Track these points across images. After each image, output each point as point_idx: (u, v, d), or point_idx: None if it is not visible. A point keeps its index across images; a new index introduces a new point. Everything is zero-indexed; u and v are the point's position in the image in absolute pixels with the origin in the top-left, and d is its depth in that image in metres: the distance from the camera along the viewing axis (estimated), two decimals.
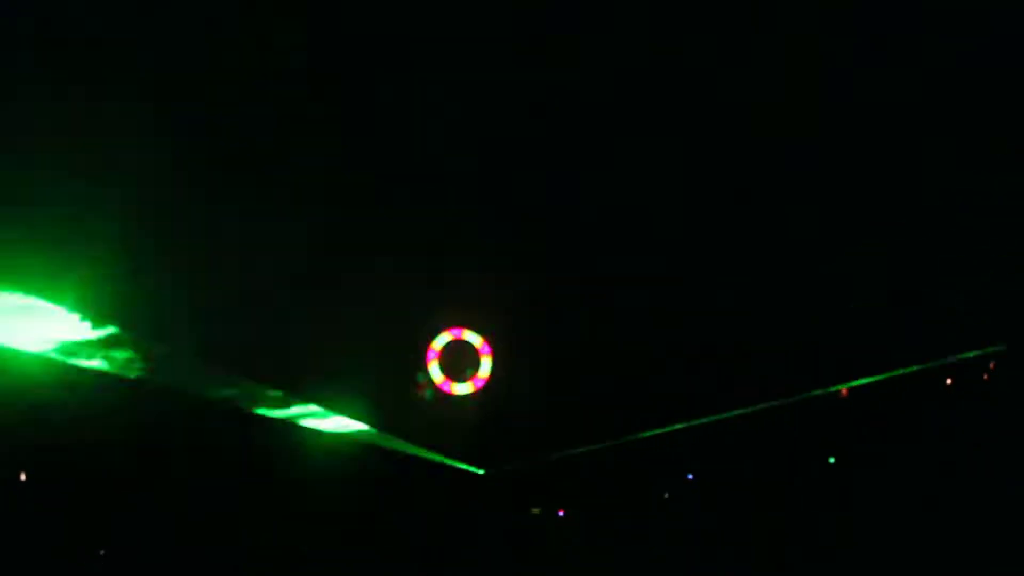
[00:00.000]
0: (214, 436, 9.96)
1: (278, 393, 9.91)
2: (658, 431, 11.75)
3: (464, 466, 12.01)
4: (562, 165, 9.32)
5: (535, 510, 12.17)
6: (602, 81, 8.61)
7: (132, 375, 8.71)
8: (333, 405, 10.51)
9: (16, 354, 7.58)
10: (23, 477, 9.85)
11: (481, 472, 12.17)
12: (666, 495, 11.75)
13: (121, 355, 8.22)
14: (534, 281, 10.57)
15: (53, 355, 7.85)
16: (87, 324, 7.10)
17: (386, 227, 9.46)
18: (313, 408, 10.56)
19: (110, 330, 7.35)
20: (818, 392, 11.22)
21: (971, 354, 10.51)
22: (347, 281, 9.56)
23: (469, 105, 8.60)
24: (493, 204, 9.60)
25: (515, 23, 8.16)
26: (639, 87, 8.74)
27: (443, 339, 10.11)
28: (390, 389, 10.43)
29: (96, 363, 8.33)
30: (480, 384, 10.22)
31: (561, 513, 12.15)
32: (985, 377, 10.83)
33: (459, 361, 10.26)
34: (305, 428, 10.95)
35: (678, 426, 11.69)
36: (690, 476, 11.79)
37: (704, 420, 11.49)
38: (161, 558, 9.53)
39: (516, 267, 10.40)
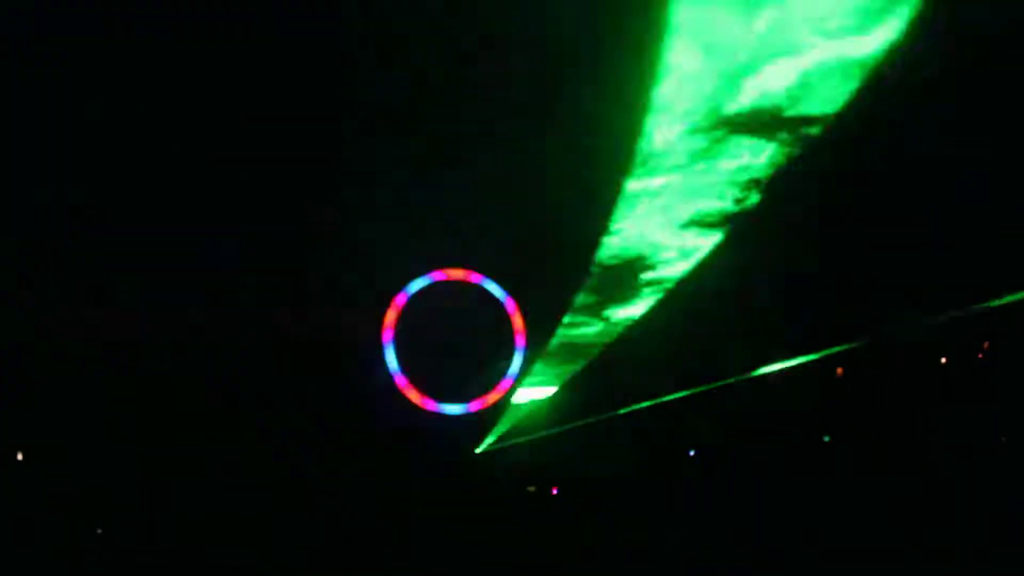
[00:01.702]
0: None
1: None
2: (658, 400, 11.78)
3: (458, 448, 12.01)
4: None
5: (530, 488, 12.17)
6: None
7: None
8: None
9: None
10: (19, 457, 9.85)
11: (476, 451, 12.18)
12: (667, 471, 11.75)
13: None
14: (530, 259, 10.54)
15: None
16: None
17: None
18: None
19: None
20: (813, 357, 11.26)
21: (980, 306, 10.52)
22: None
23: None
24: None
25: None
26: None
27: None
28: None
29: None
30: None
31: (555, 491, 12.15)
32: (980, 355, 10.85)
33: None
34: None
35: (677, 395, 11.72)
36: (692, 452, 11.79)
37: (702, 389, 11.52)
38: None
39: (511, 243, 10.37)
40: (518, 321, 9.90)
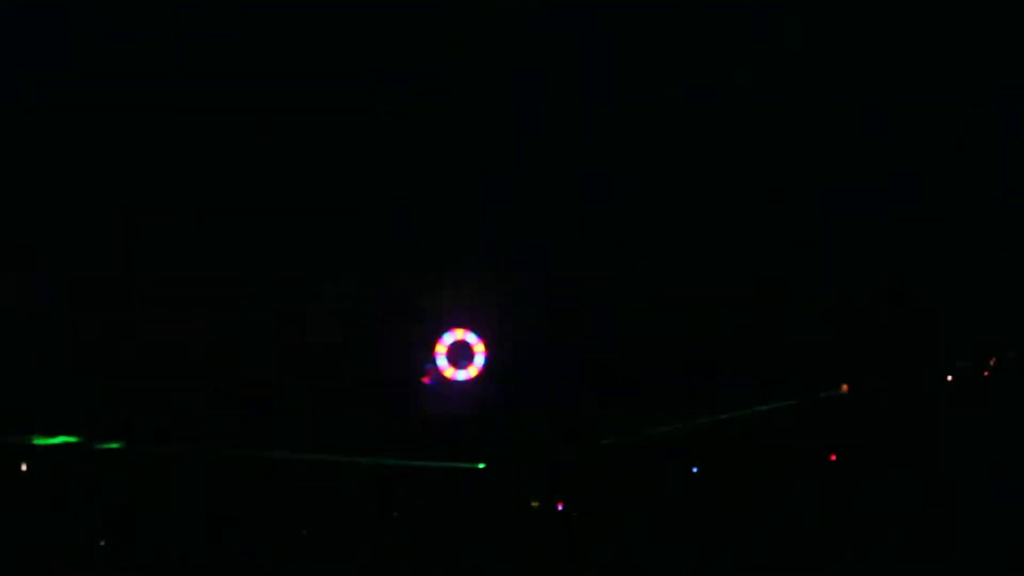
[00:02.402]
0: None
1: None
2: (662, 426, 11.71)
3: (462, 460, 11.96)
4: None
5: (534, 503, 12.11)
6: None
7: None
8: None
9: None
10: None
11: (480, 466, 12.13)
12: (669, 489, 11.66)
13: None
14: (534, 275, 10.55)
15: None
16: None
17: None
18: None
19: None
20: (822, 393, 11.19)
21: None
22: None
23: None
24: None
25: None
26: None
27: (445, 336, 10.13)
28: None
29: None
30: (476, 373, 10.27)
31: (560, 507, 12.07)
32: (986, 373, 10.78)
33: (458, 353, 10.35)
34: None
35: (682, 420, 11.65)
36: (695, 469, 11.69)
37: (709, 416, 11.46)
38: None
39: (516, 259, 10.38)
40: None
